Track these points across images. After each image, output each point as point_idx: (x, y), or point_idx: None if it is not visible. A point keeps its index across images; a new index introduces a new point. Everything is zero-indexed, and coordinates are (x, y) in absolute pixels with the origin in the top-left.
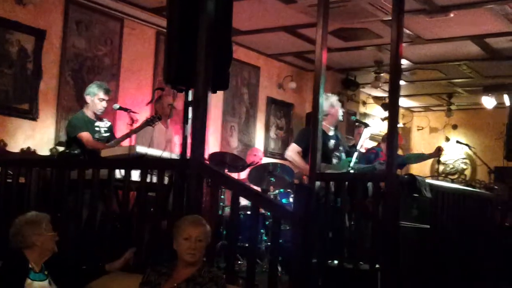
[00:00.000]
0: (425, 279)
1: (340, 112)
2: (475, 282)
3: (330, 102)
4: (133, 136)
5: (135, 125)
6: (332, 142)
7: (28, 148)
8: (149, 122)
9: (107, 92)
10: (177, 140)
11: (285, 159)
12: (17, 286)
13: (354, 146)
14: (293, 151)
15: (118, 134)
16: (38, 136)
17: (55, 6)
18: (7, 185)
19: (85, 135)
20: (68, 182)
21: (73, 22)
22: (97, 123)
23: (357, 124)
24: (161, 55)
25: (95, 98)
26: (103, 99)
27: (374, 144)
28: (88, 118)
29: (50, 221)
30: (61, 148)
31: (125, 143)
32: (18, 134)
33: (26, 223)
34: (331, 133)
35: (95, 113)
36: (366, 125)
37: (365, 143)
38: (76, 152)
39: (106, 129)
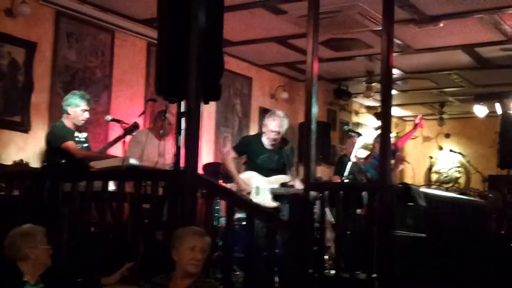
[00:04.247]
0: (421, 287)
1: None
2: None
3: (272, 121)
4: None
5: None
6: (266, 155)
7: (21, 160)
8: (129, 131)
9: (89, 102)
10: (171, 152)
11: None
12: None
13: (346, 156)
14: (229, 155)
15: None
16: (30, 148)
17: (46, 18)
18: (0, 197)
19: (71, 144)
20: (62, 195)
21: (64, 34)
22: (76, 133)
23: (350, 134)
24: (153, 66)
25: (78, 109)
26: (86, 110)
27: (366, 153)
28: (69, 129)
29: (45, 234)
30: None
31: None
32: (10, 147)
33: (20, 235)
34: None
35: (74, 124)
36: (359, 135)
37: (357, 152)
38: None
39: (84, 139)
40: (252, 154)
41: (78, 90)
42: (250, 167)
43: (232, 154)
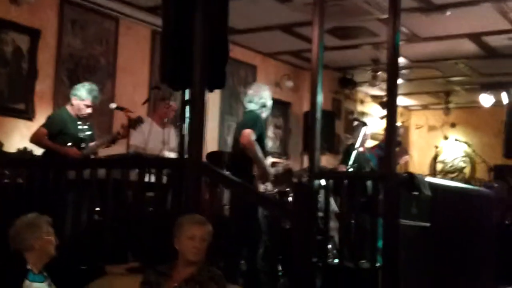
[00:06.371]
0: (425, 277)
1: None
2: (475, 280)
3: (268, 94)
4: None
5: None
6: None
7: (25, 148)
8: (133, 124)
9: (94, 99)
10: (175, 139)
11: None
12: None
13: (353, 145)
14: (252, 138)
15: None
16: None
17: (50, 5)
18: (4, 185)
19: (42, 130)
20: (66, 183)
21: (68, 22)
22: (79, 122)
23: (355, 123)
24: (157, 54)
25: (81, 103)
26: (89, 106)
27: (375, 143)
28: (71, 117)
29: (50, 225)
30: None
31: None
32: (14, 134)
33: (26, 225)
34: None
35: (77, 114)
36: (365, 124)
37: (366, 142)
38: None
39: (87, 127)
40: (263, 134)
41: (89, 82)
42: None
43: (254, 136)
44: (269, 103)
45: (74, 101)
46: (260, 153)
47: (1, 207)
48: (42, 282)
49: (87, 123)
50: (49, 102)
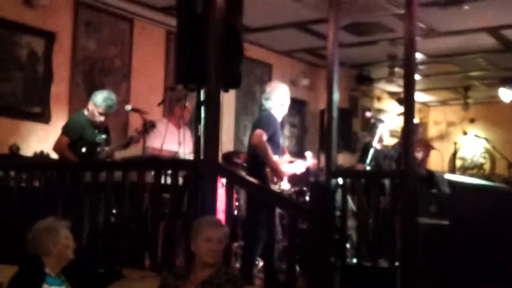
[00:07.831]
0: (445, 276)
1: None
2: (495, 279)
3: (286, 92)
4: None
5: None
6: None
7: (41, 151)
8: (147, 130)
9: (108, 108)
10: (190, 141)
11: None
12: None
13: (370, 143)
14: (263, 138)
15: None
16: (51, 139)
17: (64, 7)
18: (21, 189)
19: (64, 139)
20: (83, 186)
21: (83, 24)
22: (95, 125)
23: (372, 120)
24: (172, 54)
25: (95, 110)
26: (102, 114)
27: (393, 140)
28: (88, 120)
29: (69, 229)
30: None
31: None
32: (30, 138)
33: (44, 230)
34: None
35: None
36: (381, 121)
37: (384, 139)
38: (83, 151)
39: (103, 131)
40: (277, 133)
41: (109, 90)
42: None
43: (265, 136)
44: (287, 101)
45: (90, 105)
46: (270, 153)
47: (19, 211)
48: (60, 285)
49: (104, 126)
50: (65, 105)
